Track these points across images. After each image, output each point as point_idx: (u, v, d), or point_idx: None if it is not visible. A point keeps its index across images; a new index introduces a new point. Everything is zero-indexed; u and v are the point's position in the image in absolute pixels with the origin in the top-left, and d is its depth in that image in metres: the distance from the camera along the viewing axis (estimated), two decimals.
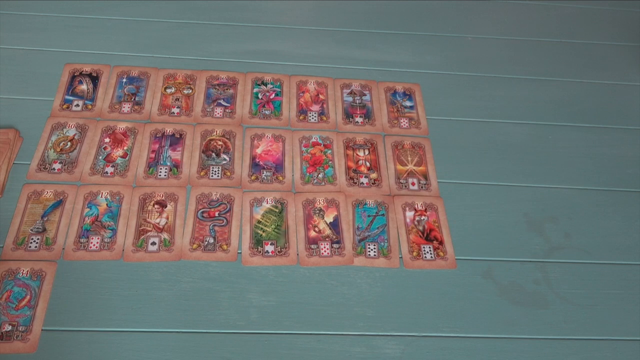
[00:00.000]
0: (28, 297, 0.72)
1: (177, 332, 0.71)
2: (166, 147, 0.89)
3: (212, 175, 0.86)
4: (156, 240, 0.79)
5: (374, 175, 0.89)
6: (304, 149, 0.91)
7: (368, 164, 0.90)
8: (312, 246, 0.80)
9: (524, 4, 1.23)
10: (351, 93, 1.00)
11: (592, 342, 0.75)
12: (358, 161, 0.90)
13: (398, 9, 1.18)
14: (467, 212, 0.86)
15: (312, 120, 0.95)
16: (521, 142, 0.96)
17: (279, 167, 0.88)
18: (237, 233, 0.80)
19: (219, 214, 0.82)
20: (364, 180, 0.88)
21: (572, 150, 0.96)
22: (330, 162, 0.90)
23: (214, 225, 0.81)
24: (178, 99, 0.95)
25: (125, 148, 0.88)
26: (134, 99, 0.95)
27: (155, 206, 0.82)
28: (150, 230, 0.79)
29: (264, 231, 0.81)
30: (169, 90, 0.96)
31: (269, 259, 0.78)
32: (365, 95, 1.00)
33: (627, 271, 0.82)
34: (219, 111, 0.94)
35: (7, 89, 0.94)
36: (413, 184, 0.88)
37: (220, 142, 0.90)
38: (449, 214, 0.85)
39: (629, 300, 0.79)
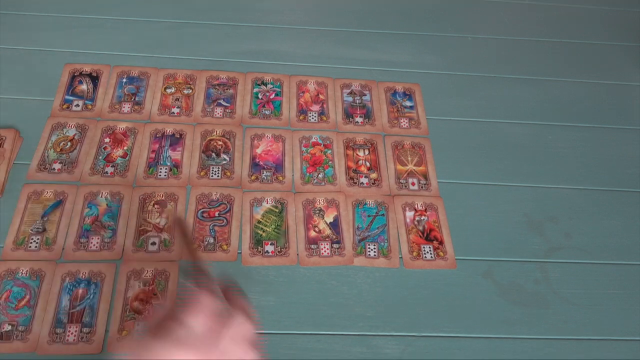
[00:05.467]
0: (27, 297, 0.72)
1: None
2: (166, 147, 0.89)
3: (212, 175, 0.86)
4: (156, 240, 0.78)
5: (374, 175, 0.89)
6: (304, 149, 0.91)
7: (368, 164, 0.90)
8: (312, 246, 0.80)
9: (524, 4, 1.23)
10: (351, 93, 1.00)
11: (592, 342, 0.75)
12: (358, 161, 0.90)
13: (398, 9, 1.18)
14: (467, 212, 0.86)
15: (312, 120, 0.95)
16: (521, 142, 0.96)
17: (279, 167, 0.88)
18: (237, 233, 0.80)
19: (219, 214, 0.82)
20: (364, 180, 0.88)
21: (572, 150, 0.96)
22: (330, 162, 0.90)
23: (214, 225, 0.81)
24: (178, 99, 0.95)
25: (125, 148, 0.88)
26: (134, 99, 0.94)
27: (155, 206, 0.82)
28: (150, 230, 0.79)
29: (264, 231, 0.81)
30: (169, 90, 0.96)
31: (269, 259, 0.78)
32: (365, 95, 1.00)
33: (627, 271, 0.82)
34: (219, 111, 0.94)
35: (7, 89, 0.94)
36: (413, 184, 0.88)
37: (220, 142, 0.90)
38: (449, 214, 0.85)
39: (629, 300, 0.79)
